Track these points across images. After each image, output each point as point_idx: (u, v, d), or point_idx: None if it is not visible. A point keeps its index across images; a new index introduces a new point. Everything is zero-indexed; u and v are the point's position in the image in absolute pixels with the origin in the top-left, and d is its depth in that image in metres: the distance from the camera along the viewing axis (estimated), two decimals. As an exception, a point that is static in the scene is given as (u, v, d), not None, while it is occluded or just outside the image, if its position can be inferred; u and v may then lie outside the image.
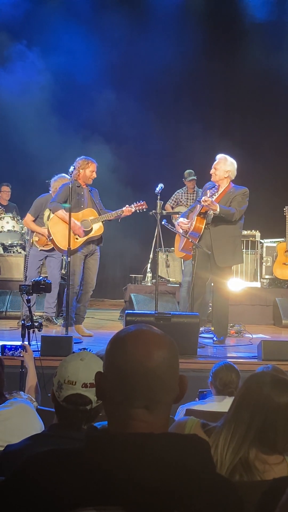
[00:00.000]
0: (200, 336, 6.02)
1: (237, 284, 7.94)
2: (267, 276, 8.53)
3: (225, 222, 5.88)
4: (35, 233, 6.91)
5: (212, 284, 6.27)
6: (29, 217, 6.93)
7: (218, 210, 5.77)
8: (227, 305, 6.13)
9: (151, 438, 1.16)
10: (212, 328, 6.60)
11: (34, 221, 6.90)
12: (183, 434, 1.26)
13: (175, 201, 8.90)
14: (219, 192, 6.00)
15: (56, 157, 8.39)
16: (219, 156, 6.05)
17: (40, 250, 6.90)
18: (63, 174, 6.86)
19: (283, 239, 8.42)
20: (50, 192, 6.93)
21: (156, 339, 1.24)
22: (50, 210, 6.35)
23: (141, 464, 1.12)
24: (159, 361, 1.21)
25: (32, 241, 6.87)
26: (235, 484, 1.31)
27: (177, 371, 1.26)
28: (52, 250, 6.90)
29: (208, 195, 5.85)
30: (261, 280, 8.52)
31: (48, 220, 6.72)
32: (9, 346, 3.94)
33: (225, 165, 5.97)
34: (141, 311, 6.56)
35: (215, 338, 6.11)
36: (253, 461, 1.82)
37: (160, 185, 6.57)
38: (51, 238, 6.25)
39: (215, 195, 5.91)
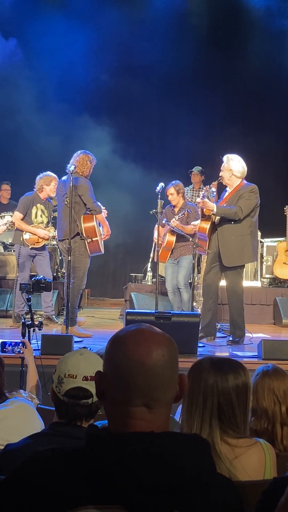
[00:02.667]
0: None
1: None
2: (267, 276, 8.53)
3: (232, 222, 5.88)
4: (24, 231, 6.86)
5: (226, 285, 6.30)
6: (18, 215, 6.88)
7: (214, 210, 5.83)
8: (239, 306, 6.05)
9: (152, 437, 1.16)
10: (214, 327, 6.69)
11: (22, 219, 6.88)
12: (184, 434, 1.26)
13: None
14: (229, 191, 6.03)
15: (56, 154, 8.38)
16: (224, 157, 6.06)
17: (31, 248, 6.87)
18: (49, 173, 6.89)
19: (283, 238, 8.42)
20: (35, 190, 6.94)
21: (154, 338, 1.24)
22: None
23: (141, 463, 1.13)
24: (157, 359, 1.21)
25: (22, 240, 6.83)
26: (235, 483, 1.31)
27: (176, 370, 1.26)
28: (42, 248, 6.91)
29: (201, 197, 5.97)
30: (262, 279, 8.52)
31: (36, 217, 6.84)
32: (9, 342, 3.96)
33: (228, 165, 5.99)
34: (142, 310, 6.57)
35: (230, 339, 6.13)
36: (220, 447, 1.85)
37: (161, 184, 6.61)
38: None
39: (209, 197, 5.96)
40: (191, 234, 6.70)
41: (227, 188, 6.10)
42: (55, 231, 6.83)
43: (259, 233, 8.55)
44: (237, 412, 1.92)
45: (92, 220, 6.08)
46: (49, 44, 9.49)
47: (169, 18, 9.92)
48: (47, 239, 6.91)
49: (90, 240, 6.05)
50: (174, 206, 7.09)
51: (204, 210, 5.91)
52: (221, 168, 6.04)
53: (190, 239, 6.56)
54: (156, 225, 7.05)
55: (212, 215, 5.93)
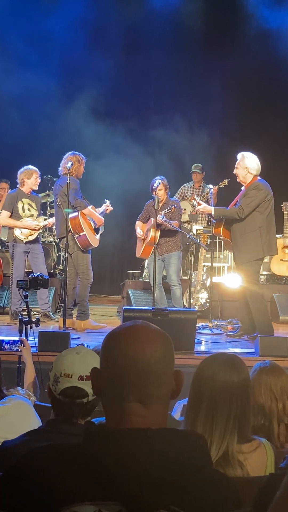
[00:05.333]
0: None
1: (235, 280, 7.95)
2: (264, 272, 8.53)
3: (238, 221, 5.90)
4: (15, 228, 6.86)
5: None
6: (5, 214, 6.89)
7: (212, 213, 5.98)
8: (248, 304, 6.00)
9: (149, 434, 1.17)
10: (210, 324, 6.71)
11: (10, 216, 6.89)
12: (180, 430, 1.26)
13: (180, 195, 8.77)
14: (243, 189, 6.02)
15: (52, 152, 8.37)
16: (238, 155, 6.03)
17: (26, 242, 6.88)
18: (30, 166, 6.94)
19: (280, 235, 8.41)
20: (18, 185, 6.98)
21: (149, 334, 1.25)
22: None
23: (138, 460, 1.13)
24: (151, 355, 1.22)
25: (15, 236, 6.84)
26: (232, 479, 1.31)
27: (171, 366, 1.27)
28: (35, 242, 6.93)
29: (196, 202, 6.16)
30: (259, 276, 8.51)
31: (24, 211, 6.87)
32: (7, 340, 3.94)
33: (243, 162, 5.93)
34: (139, 307, 6.58)
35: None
36: (232, 454, 1.82)
37: (158, 181, 6.62)
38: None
39: (209, 198, 6.16)
40: (178, 227, 6.78)
41: (243, 186, 6.07)
42: (44, 219, 6.98)
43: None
44: (247, 412, 1.90)
45: (77, 216, 6.24)
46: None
47: (165, 17, 9.90)
48: (39, 230, 6.94)
49: (78, 235, 6.22)
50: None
51: (205, 214, 6.02)
52: (235, 166, 6.00)
53: (179, 233, 6.59)
54: (137, 221, 7.10)
55: (213, 218, 6.00)
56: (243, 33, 10.04)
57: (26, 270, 6.95)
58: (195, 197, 6.41)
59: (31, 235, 6.86)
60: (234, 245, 6.00)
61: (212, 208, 6.02)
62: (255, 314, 5.92)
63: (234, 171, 6.04)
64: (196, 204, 6.20)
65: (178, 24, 9.91)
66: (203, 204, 6.15)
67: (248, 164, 5.91)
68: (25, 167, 6.97)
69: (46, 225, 7.02)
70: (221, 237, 6.33)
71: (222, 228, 6.03)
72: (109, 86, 9.80)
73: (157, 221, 6.59)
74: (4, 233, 8.04)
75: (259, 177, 5.96)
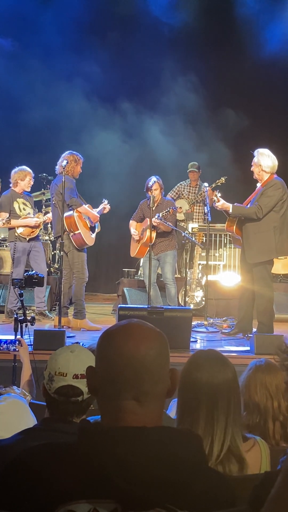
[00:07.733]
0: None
1: (231, 278, 7.97)
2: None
3: (252, 219, 5.79)
4: (16, 227, 6.86)
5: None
6: (4, 215, 6.84)
7: (230, 210, 5.85)
8: (248, 303, 5.99)
9: (144, 432, 1.17)
10: (205, 322, 6.70)
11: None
12: (176, 428, 1.26)
13: (176, 193, 8.76)
14: (258, 187, 5.91)
15: (48, 151, 8.36)
16: (255, 152, 5.91)
17: (29, 240, 6.87)
18: (24, 167, 6.95)
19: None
20: (11, 186, 6.98)
21: (144, 333, 1.26)
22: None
23: (133, 458, 1.13)
24: (146, 353, 1.22)
25: (17, 235, 6.83)
26: (228, 477, 1.32)
27: (166, 364, 1.27)
28: (36, 239, 6.96)
29: (216, 198, 5.97)
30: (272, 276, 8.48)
31: (21, 211, 6.89)
32: (4, 340, 3.94)
33: (257, 160, 5.83)
34: (134, 305, 6.58)
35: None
36: (237, 449, 1.82)
37: (153, 180, 6.61)
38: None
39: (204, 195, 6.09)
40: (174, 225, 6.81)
41: (258, 183, 5.95)
42: (44, 215, 7.01)
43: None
44: (238, 406, 1.88)
45: (72, 215, 6.28)
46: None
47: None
48: (40, 226, 6.96)
49: (73, 234, 6.24)
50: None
51: (223, 210, 5.95)
52: (251, 163, 5.90)
53: (174, 232, 6.57)
54: (131, 221, 7.07)
55: (231, 216, 5.90)
56: (239, 28, 10.04)
57: (25, 269, 6.94)
58: (216, 193, 6.23)
59: (33, 231, 6.88)
60: (245, 243, 5.86)
61: (231, 205, 5.87)
62: (261, 314, 5.84)
63: (251, 169, 5.93)
64: (216, 200, 6.01)
65: (175, 17, 9.92)
66: (221, 201, 5.95)
67: (262, 161, 5.79)
68: (20, 168, 6.95)
69: (45, 220, 7.01)
70: (232, 234, 6.18)
71: (235, 226, 5.91)
72: (103, 87, 9.81)
73: (153, 222, 6.55)
74: (5, 233, 8.05)
75: (275, 175, 5.85)
